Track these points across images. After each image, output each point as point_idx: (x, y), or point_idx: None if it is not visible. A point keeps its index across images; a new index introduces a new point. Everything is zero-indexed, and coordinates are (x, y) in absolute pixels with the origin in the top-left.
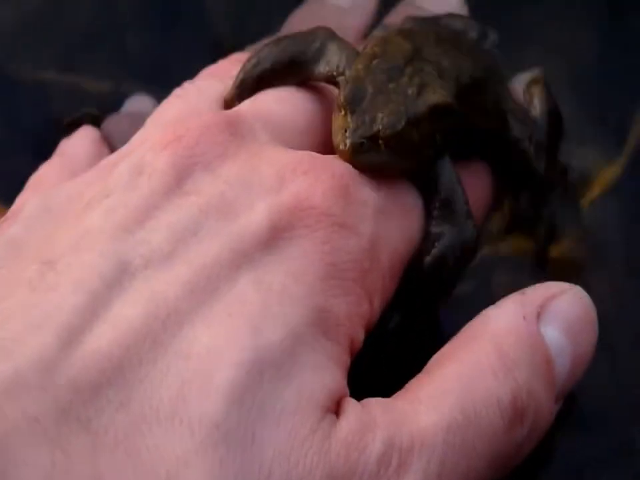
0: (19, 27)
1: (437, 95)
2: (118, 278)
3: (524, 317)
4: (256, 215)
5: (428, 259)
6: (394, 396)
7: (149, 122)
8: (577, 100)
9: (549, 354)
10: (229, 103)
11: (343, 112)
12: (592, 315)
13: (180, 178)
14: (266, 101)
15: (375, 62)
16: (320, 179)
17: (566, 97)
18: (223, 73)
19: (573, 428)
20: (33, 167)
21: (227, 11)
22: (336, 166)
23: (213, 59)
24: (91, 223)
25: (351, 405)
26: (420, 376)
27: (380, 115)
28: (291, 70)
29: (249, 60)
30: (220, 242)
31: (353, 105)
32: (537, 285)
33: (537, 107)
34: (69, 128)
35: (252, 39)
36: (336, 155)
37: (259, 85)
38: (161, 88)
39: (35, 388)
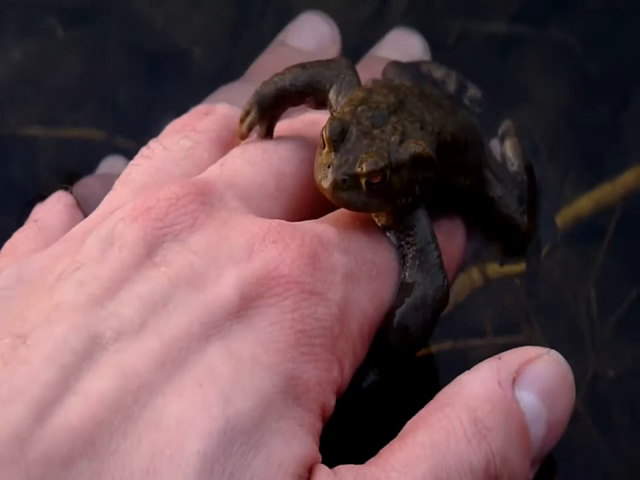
0: (5, 83)
1: (418, 146)
2: (89, 351)
3: (499, 383)
4: (225, 286)
5: (401, 308)
6: (367, 462)
7: (118, 184)
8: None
9: (524, 420)
10: (240, 122)
11: (326, 149)
12: (568, 380)
13: (150, 250)
14: (236, 165)
15: (360, 108)
16: (289, 247)
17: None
18: (187, 128)
19: None
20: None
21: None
22: (306, 234)
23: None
24: (63, 297)
25: (322, 472)
26: (393, 442)
27: (364, 156)
28: (309, 91)
29: (271, 79)
30: (190, 314)
31: (337, 143)
32: (514, 349)
33: (514, 163)
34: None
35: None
36: (306, 221)
37: (277, 102)
38: (148, 137)
39: (7, 462)
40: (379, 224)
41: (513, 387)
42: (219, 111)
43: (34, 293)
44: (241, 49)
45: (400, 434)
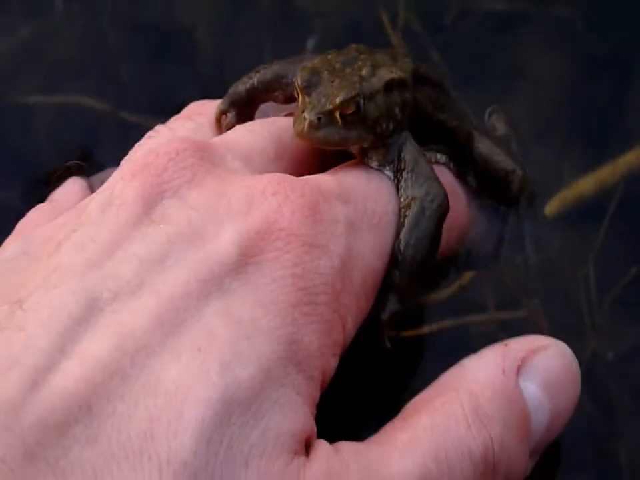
0: (9, 57)
1: (390, 73)
2: (86, 314)
3: (503, 371)
4: (224, 242)
5: (404, 230)
6: (368, 440)
7: (123, 161)
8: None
9: (526, 409)
10: (217, 122)
11: (301, 97)
12: (574, 372)
13: (148, 207)
14: (236, 133)
15: (330, 56)
16: (289, 199)
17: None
18: (192, 113)
19: None
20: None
21: (215, 43)
22: (306, 185)
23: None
24: (60, 260)
25: (323, 448)
26: (395, 421)
27: (334, 91)
28: (276, 86)
29: (241, 79)
30: (187, 271)
31: (309, 88)
32: (521, 338)
33: (499, 129)
34: (58, 180)
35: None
36: (305, 176)
37: (249, 100)
38: (151, 117)
39: (2, 430)
40: (373, 165)
41: (517, 376)
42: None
43: (35, 262)
44: (243, 26)
45: (402, 414)
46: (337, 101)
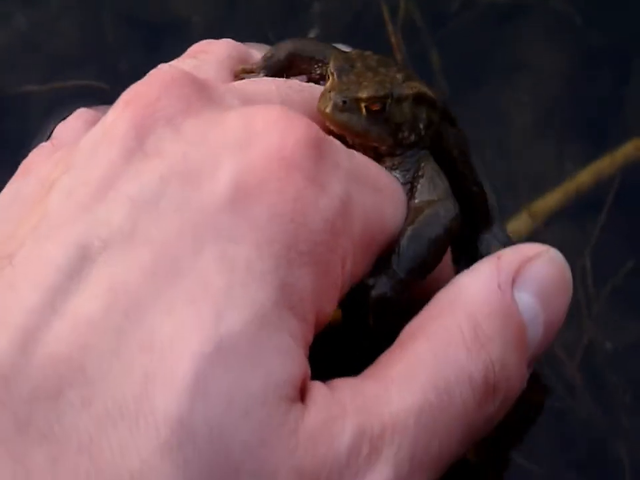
0: (6, 48)
1: (423, 87)
2: (77, 266)
3: (499, 286)
4: (220, 181)
5: (414, 224)
6: (364, 374)
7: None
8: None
9: (522, 322)
10: (236, 77)
11: (330, 78)
12: (566, 279)
13: (141, 138)
14: (241, 81)
15: (367, 53)
16: (293, 128)
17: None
18: (197, 52)
19: None
20: None
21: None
22: (311, 123)
23: None
24: (50, 207)
25: (318, 390)
26: (391, 350)
27: (365, 83)
28: (316, 59)
29: (277, 45)
30: (182, 215)
31: (341, 71)
32: (513, 248)
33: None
34: None
35: None
36: None
37: (283, 67)
38: None
39: None
40: (384, 166)
41: (512, 289)
42: (229, 40)
43: (27, 208)
44: (239, 18)
45: (397, 341)
46: (365, 93)
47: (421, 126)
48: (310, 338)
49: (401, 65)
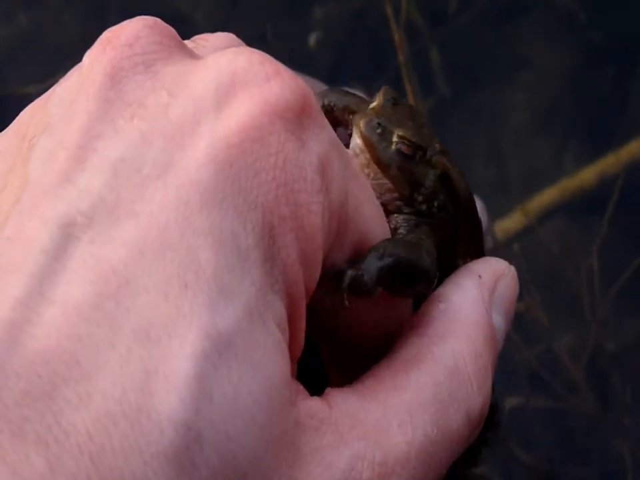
0: (6, 45)
1: (454, 172)
2: (61, 246)
3: (486, 310)
4: (205, 139)
5: (382, 242)
6: (362, 390)
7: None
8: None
9: (498, 344)
10: None
11: (377, 100)
12: (517, 294)
13: (119, 86)
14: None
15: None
16: (281, 76)
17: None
18: (197, 39)
19: None
20: None
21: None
22: (303, 84)
23: None
24: (29, 176)
25: (314, 408)
26: (395, 370)
27: (407, 125)
28: (338, 111)
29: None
30: (165, 184)
31: (391, 102)
32: (487, 264)
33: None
34: None
35: None
36: None
37: None
38: None
39: None
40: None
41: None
42: (232, 35)
43: (8, 167)
44: (241, 16)
45: (401, 362)
46: (402, 132)
47: (435, 204)
48: (302, 312)
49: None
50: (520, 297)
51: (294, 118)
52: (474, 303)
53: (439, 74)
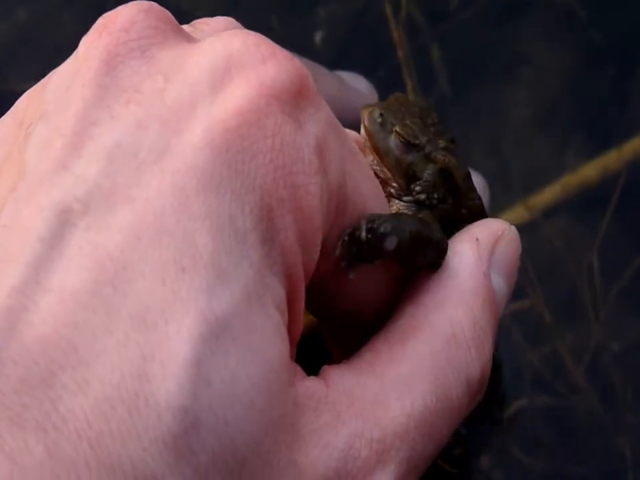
0: (6, 42)
1: (455, 167)
2: (58, 233)
3: (484, 274)
4: (199, 122)
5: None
6: (359, 365)
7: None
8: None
9: (498, 307)
10: None
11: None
12: (519, 254)
13: (115, 72)
14: None
15: (433, 112)
16: (277, 58)
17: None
18: (196, 23)
19: None
20: None
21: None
22: (300, 65)
23: None
24: (27, 163)
25: (312, 388)
26: (392, 342)
27: (409, 121)
28: None
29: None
30: (161, 169)
31: (400, 100)
32: (485, 224)
33: None
34: None
35: None
36: None
37: None
38: None
39: None
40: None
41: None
42: (231, 19)
43: (5, 153)
44: (242, 14)
45: (399, 332)
46: (400, 128)
47: (435, 196)
48: (300, 293)
49: (452, 142)
50: (525, 294)
51: (290, 99)
52: (471, 267)
53: (439, 71)
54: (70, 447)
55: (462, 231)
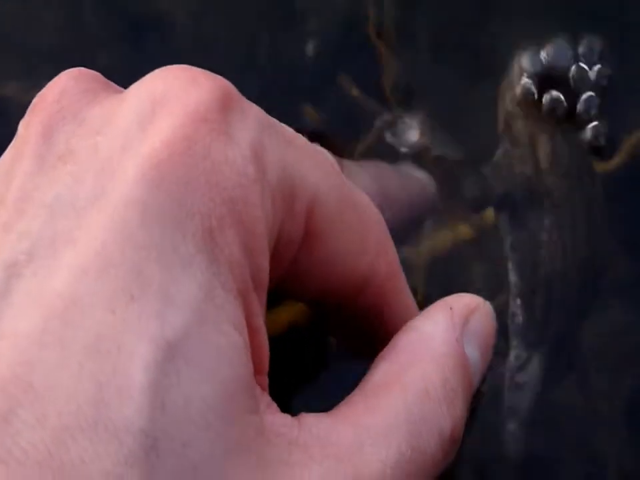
0: None
1: None
2: (7, 286)
3: (457, 340)
4: (131, 161)
5: None
6: (336, 413)
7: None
8: None
9: (471, 376)
10: None
11: None
12: (495, 330)
13: (50, 141)
14: None
15: None
16: (195, 81)
17: None
18: None
19: None
20: None
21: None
22: (215, 75)
23: None
24: None
25: (283, 427)
26: (367, 396)
27: None
28: None
29: None
30: (100, 207)
31: None
32: (459, 298)
33: None
34: None
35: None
36: None
37: None
38: None
39: None
40: None
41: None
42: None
43: None
44: (224, 13)
45: (372, 388)
46: None
47: None
48: (255, 306)
49: None
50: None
51: (217, 117)
52: (444, 332)
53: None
54: (35, 478)
55: (438, 301)
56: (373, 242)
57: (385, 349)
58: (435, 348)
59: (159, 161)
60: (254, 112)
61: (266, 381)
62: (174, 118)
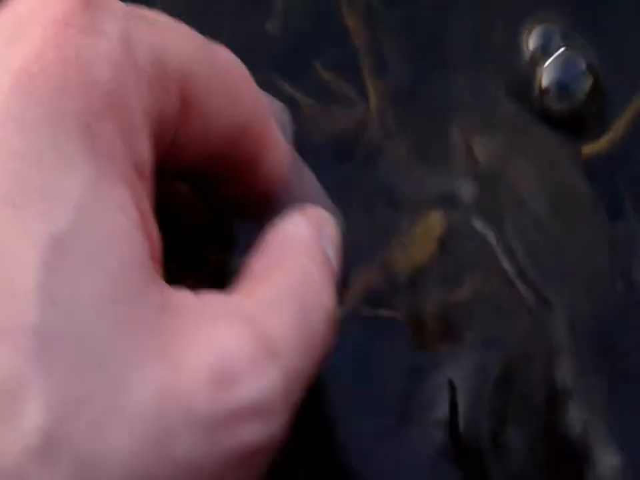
0: None
1: None
2: None
3: (318, 238)
4: (3, 77)
5: None
6: (231, 290)
7: None
8: None
9: (332, 268)
10: None
11: None
12: (340, 240)
13: None
14: None
15: None
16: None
17: None
18: None
19: None
20: None
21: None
22: None
23: None
24: None
25: (185, 299)
26: (249, 281)
27: None
28: None
29: None
30: None
31: None
32: (313, 209)
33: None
34: None
35: None
36: None
37: None
38: None
39: None
40: None
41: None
42: None
43: None
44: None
45: (252, 274)
46: None
47: None
48: (143, 193)
49: None
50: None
51: (83, 18)
52: (307, 231)
53: (395, 57)
54: None
55: (294, 209)
56: (243, 96)
57: (257, 248)
58: (302, 242)
59: (32, 74)
60: (116, 3)
61: (160, 269)
62: (41, 29)
